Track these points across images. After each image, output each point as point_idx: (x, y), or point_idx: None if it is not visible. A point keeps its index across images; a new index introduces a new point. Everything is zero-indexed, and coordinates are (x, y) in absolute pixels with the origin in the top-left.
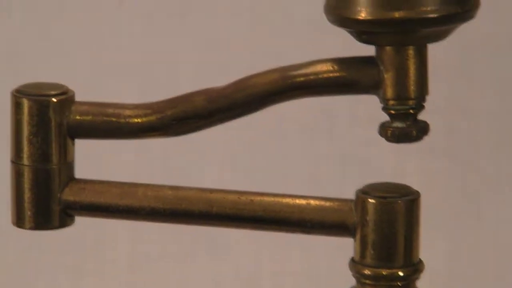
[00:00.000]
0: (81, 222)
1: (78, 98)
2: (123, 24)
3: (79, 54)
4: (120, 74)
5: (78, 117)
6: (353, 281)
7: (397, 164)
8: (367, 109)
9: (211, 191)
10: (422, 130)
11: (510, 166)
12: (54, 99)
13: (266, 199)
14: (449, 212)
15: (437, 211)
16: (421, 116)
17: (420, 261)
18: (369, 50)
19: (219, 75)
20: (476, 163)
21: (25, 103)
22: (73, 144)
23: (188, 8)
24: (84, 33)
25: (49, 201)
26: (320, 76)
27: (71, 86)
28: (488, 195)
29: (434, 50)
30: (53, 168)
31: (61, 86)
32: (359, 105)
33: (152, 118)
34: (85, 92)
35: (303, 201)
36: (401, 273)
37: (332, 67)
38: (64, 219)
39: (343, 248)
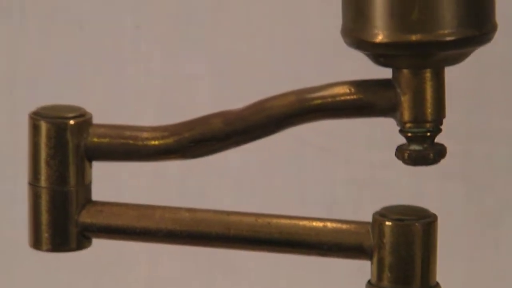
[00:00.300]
0: (99, 244)
1: (95, 120)
2: (141, 47)
3: (97, 77)
4: (137, 96)
5: (95, 140)
6: None
7: (414, 187)
8: (384, 132)
9: (228, 213)
10: (439, 153)
11: None
12: (71, 122)
13: (283, 221)
14: (466, 237)
15: (454, 236)
16: (438, 139)
17: (437, 284)
18: (386, 73)
19: (236, 97)
20: (493, 187)
21: (43, 125)
22: (91, 166)
23: (205, 31)
24: (102, 55)
25: (67, 223)
26: (337, 98)
27: (88, 108)
28: (506, 220)
29: (451, 73)
30: (71, 190)
31: (79, 108)
32: (376, 128)
33: (170, 140)
34: (103, 114)
35: (319, 224)
36: None
37: (349, 89)
38: (81, 241)
39: (360, 270)
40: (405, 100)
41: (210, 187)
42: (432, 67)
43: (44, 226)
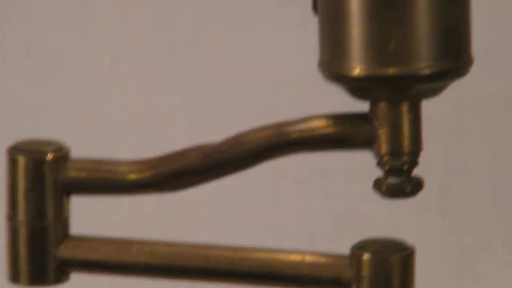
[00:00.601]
0: (78, 278)
1: (75, 154)
2: (118, 81)
3: (75, 111)
4: (116, 130)
5: (73, 174)
6: None
7: (392, 220)
8: (362, 165)
9: (206, 246)
10: (416, 186)
11: (506, 225)
12: (49, 156)
13: (261, 255)
14: (444, 270)
15: (432, 269)
16: (415, 172)
17: None
18: (363, 104)
19: (214, 131)
20: (471, 221)
21: (21, 160)
22: (69, 200)
23: (183, 64)
24: (79, 90)
25: (45, 257)
26: (315, 132)
27: (67, 143)
28: (483, 254)
29: (428, 106)
30: (49, 225)
31: (57, 142)
32: (354, 161)
33: (147, 174)
34: (82, 149)
35: (298, 257)
36: None
37: (327, 123)
38: (59, 275)
39: None
40: (382, 133)
41: (188, 221)
42: (409, 100)
43: (22, 260)
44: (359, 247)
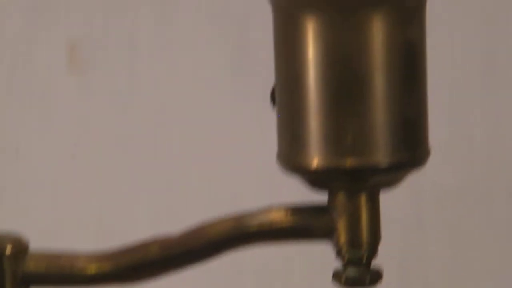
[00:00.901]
0: None
1: (34, 246)
2: (77, 174)
3: (34, 202)
4: (75, 222)
5: (32, 267)
6: None
7: None
8: (323, 255)
9: None
10: (375, 276)
11: None
12: (8, 249)
13: None
14: None
15: None
16: (375, 263)
17: None
18: (322, 195)
19: (174, 221)
20: None
21: None
22: None
23: (142, 156)
24: (39, 182)
25: None
26: (274, 224)
27: (26, 234)
28: None
29: (386, 197)
30: None
31: (16, 235)
32: (314, 251)
33: (107, 266)
34: (42, 240)
35: None
36: None
37: (286, 214)
38: None
39: None
40: (341, 224)
41: None
42: (367, 191)
43: None
44: None
